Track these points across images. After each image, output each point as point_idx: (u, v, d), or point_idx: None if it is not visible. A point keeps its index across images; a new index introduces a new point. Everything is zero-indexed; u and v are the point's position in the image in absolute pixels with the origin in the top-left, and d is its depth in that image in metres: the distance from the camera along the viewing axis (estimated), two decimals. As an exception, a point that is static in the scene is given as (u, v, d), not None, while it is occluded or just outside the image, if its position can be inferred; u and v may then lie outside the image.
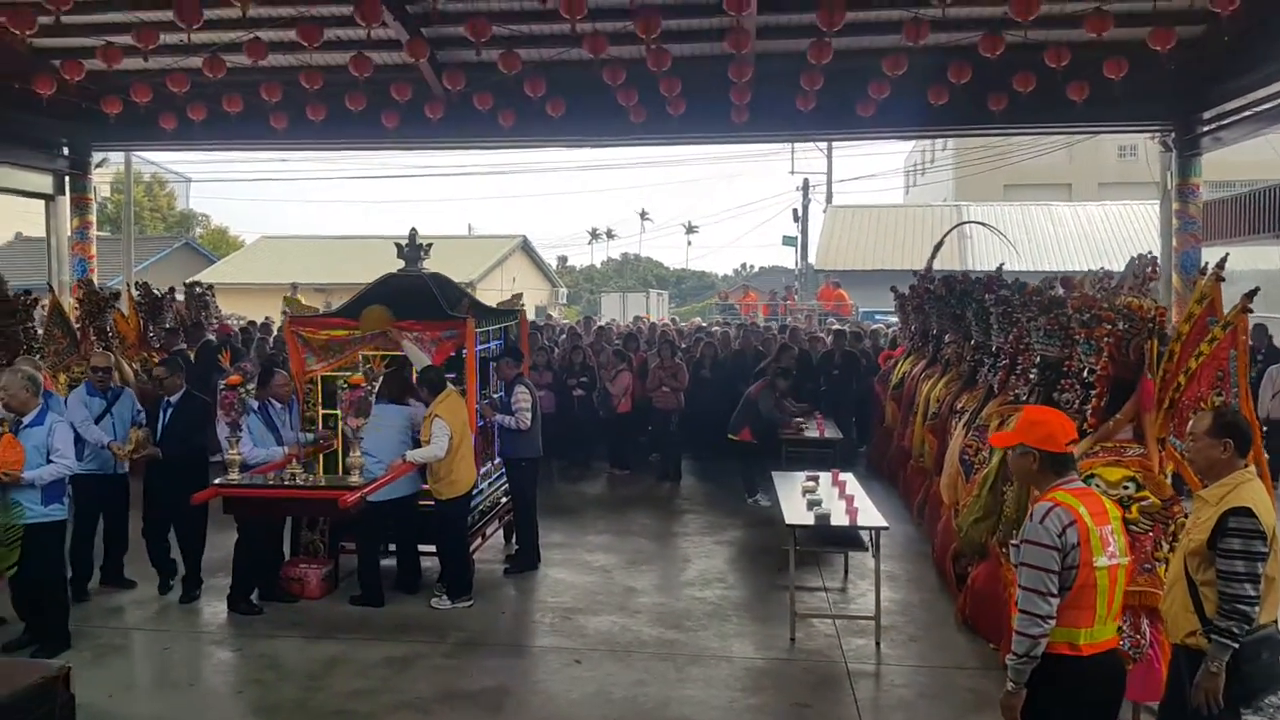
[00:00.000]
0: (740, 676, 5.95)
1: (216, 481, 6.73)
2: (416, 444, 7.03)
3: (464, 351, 7.53)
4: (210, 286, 13.26)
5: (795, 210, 33.17)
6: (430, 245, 8.32)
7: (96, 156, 15.82)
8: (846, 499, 7.06)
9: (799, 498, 7.10)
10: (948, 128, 16.26)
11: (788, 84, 12.15)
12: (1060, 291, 8.07)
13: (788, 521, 6.68)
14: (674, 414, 11.81)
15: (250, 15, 10.34)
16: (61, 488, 6.02)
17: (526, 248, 37.95)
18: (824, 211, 34.63)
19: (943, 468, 7.88)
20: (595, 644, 6.44)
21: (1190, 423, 4.16)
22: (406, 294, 7.72)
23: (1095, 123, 14.41)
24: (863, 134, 15.80)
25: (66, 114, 13.35)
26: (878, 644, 6.41)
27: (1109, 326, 5.58)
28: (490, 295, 13.94)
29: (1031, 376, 6.62)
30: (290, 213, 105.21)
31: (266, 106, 12.64)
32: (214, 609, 7.01)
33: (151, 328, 11.70)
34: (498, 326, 8.69)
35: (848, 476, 7.75)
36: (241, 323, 14.80)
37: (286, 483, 6.67)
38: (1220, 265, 5.57)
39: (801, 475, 7.87)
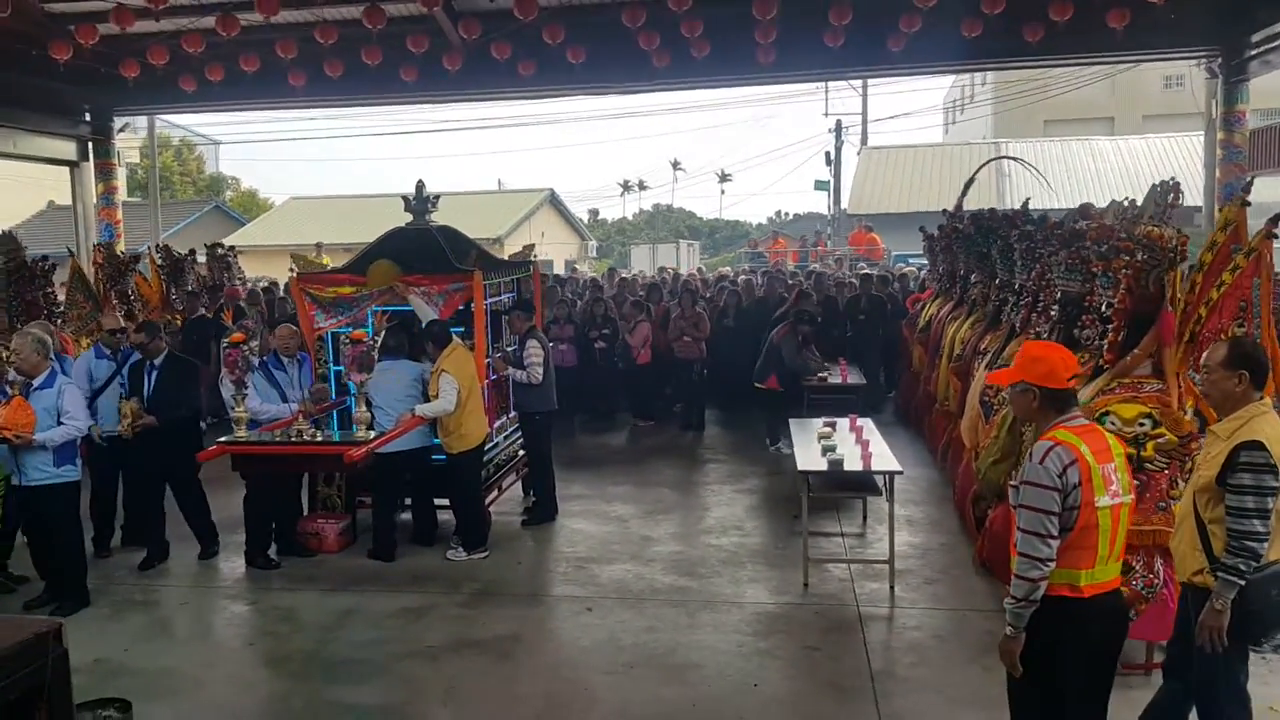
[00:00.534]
0: (750, 621, 5.91)
1: (222, 440, 6.75)
2: (426, 399, 7.01)
3: (472, 304, 7.46)
4: (232, 248, 13.32)
5: (828, 153, 32.37)
6: (438, 197, 8.22)
7: (119, 121, 15.85)
8: (862, 444, 6.94)
9: (814, 444, 6.99)
10: (983, 61, 15.74)
11: (815, 20, 11.72)
12: (1081, 224, 7.77)
13: (800, 468, 6.60)
14: (697, 363, 11.69)
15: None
16: (73, 449, 6.09)
17: (555, 201, 37.46)
18: (857, 154, 33.86)
19: (964, 410, 7.71)
20: (608, 592, 6.43)
21: (1205, 354, 3.97)
22: (414, 247, 7.64)
23: (1137, 50, 13.60)
24: (894, 70, 15.19)
25: (86, 79, 13.39)
26: (891, 588, 6.34)
27: (1127, 258, 5.33)
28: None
29: (1053, 313, 6.41)
30: (320, 173, 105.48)
31: (283, 64, 12.54)
32: (232, 564, 7.10)
33: (174, 290, 11.81)
34: (509, 278, 8.60)
35: (865, 422, 7.61)
36: (263, 283, 14.86)
37: (294, 439, 6.68)
38: (1246, 190, 5.30)
39: (819, 422, 7.76)
